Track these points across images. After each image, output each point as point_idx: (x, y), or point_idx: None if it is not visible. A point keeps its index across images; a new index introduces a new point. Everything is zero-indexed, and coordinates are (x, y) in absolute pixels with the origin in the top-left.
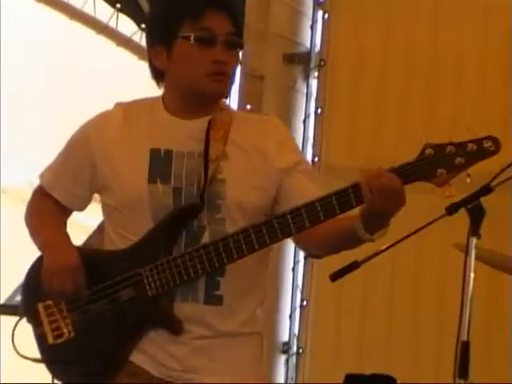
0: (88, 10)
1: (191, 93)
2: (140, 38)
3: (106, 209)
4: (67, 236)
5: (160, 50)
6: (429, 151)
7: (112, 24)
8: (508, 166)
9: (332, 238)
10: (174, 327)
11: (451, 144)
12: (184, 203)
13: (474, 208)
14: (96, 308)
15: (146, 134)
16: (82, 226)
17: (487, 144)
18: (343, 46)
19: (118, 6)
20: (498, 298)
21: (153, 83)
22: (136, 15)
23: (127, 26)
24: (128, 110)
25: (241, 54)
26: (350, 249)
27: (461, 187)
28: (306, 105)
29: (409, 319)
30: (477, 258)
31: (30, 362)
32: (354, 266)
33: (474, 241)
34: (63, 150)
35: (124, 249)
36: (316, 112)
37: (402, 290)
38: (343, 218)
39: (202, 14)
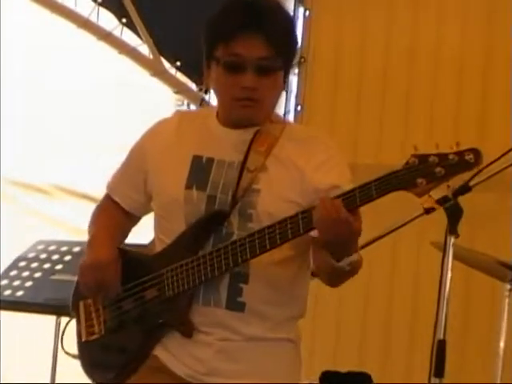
0: (69, 3)
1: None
2: (120, 33)
3: (154, 216)
4: (111, 236)
5: (206, 67)
6: (413, 160)
7: (93, 18)
8: (487, 166)
9: (324, 274)
10: (185, 330)
11: (434, 154)
12: (212, 210)
13: (451, 207)
14: (125, 306)
15: (194, 141)
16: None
17: (468, 156)
18: (323, 43)
19: (99, 0)
20: (474, 297)
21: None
22: (117, 10)
23: (108, 20)
24: (184, 117)
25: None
26: (346, 278)
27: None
28: (286, 101)
29: (384, 317)
30: (454, 256)
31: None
32: None
33: (451, 239)
34: (126, 157)
35: (158, 252)
36: (296, 109)
37: (378, 287)
38: None
39: (234, 39)
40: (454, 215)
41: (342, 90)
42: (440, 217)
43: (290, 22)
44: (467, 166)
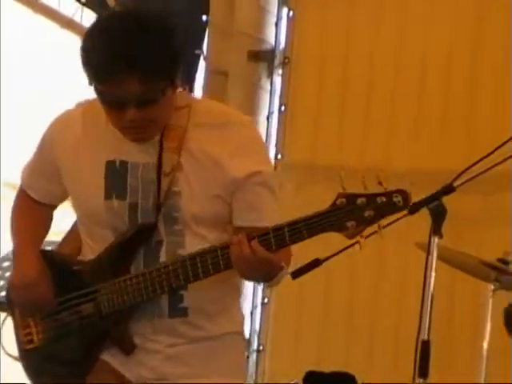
0: (53, 3)
1: None
2: None
3: (77, 217)
4: (34, 241)
5: None
6: (340, 201)
7: (77, 18)
8: (470, 167)
9: None
10: (125, 348)
11: (363, 195)
12: (139, 223)
13: (435, 207)
14: (62, 318)
15: (103, 143)
16: None
17: (396, 198)
18: (307, 43)
19: (83, 0)
20: (458, 298)
21: None
22: (101, 10)
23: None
24: (87, 113)
25: (205, 50)
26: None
27: (424, 186)
28: (270, 102)
29: (369, 317)
30: (438, 257)
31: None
32: (315, 264)
33: (435, 240)
34: (36, 148)
35: (88, 261)
36: (280, 109)
37: (363, 288)
38: None
39: (108, 83)
40: (438, 216)
41: (327, 90)
42: (424, 217)
43: (163, 38)
44: (396, 208)
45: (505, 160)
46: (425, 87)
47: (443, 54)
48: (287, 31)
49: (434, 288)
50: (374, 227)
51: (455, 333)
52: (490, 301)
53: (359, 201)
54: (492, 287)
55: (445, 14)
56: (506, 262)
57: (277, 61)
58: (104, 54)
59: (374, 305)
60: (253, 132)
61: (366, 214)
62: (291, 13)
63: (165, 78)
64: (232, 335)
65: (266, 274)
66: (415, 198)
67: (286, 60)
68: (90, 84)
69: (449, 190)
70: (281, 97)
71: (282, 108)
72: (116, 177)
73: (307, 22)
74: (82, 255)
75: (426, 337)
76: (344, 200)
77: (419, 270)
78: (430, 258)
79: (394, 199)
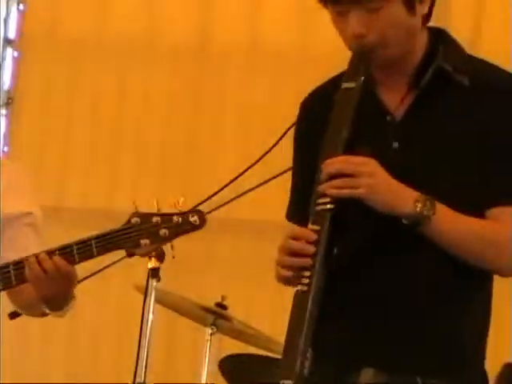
0: None
1: None
2: None
3: None
4: None
5: None
6: (135, 220)
7: None
8: (202, 202)
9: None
10: None
11: (158, 215)
12: None
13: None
14: None
15: None
16: None
17: (192, 218)
18: (32, 84)
19: None
20: (178, 341)
21: None
22: None
23: None
24: None
25: None
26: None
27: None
28: None
29: (90, 360)
30: (157, 300)
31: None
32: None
33: (153, 283)
34: None
35: None
36: (3, 150)
37: (83, 330)
38: None
39: None
40: (156, 259)
41: (50, 132)
42: (144, 260)
43: None
44: (193, 227)
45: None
46: (145, 130)
47: (164, 93)
48: (12, 71)
49: (151, 331)
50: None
51: (174, 376)
52: (208, 344)
53: (154, 220)
54: (210, 331)
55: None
56: (223, 307)
57: (0, 101)
58: None
59: (94, 350)
60: (25, 175)
61: (162, 232)
62: (15, 53)
63: None
64: None
65: (64, 291)
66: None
67: (10, 100)
68: None
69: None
70: (5, 137)
71: (5, 148)
72: None
73: (32, 63)
74: None
75: (142, 380)
76: (138, 219)
77: (139, 314)
78: (147, 300)
79: (191, 219)
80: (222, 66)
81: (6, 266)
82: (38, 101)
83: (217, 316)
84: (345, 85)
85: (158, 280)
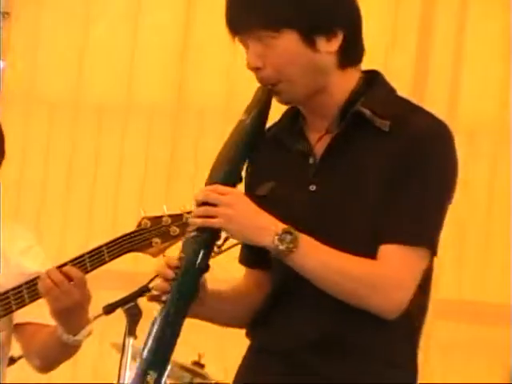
0: None
1: None
2: None
3: None
4: None
5: None
6: (145, 222)
7: None
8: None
9: (46, 353)
10: None
11: (167, 215)
12: None
13: (130, 309)
14: None
15: None
16: None
17: None
18: (8, 143)
19: None
20: None
21: None
22: None
23: None
24: None
25: None
26: (67, 359)
27: (121, 287)
28: None
29: None
30: (133, 357)
31: None
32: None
33: (130, 341)
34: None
35: None
36: None
37: None
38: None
39: None
40: (134, 317)
41: (26, 191)
42: (120, 318)
43: None
44: None
45: None
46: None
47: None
48: None
49: None
50: None
51: None
52: None
53: (164, 219)
54: None
55: None
56: (200, 365)
57: None
58: None
59: None
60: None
61: (172, 230)
62: None
63: None
64: None
65: (77, 307)
66: (113, 299)
67: None
68: None
69: (144, 291)
70: None
71: None
72: None
73: (11, 121)
74: None
75: None
76: (148, 222)
77: (115, 371)
78: (124, 358)
79: None
80: (198, 124)
81: (19, 286)
82: (13, 162)
83: (194, 374)
84: (241, 117)
85: (135, 338)
